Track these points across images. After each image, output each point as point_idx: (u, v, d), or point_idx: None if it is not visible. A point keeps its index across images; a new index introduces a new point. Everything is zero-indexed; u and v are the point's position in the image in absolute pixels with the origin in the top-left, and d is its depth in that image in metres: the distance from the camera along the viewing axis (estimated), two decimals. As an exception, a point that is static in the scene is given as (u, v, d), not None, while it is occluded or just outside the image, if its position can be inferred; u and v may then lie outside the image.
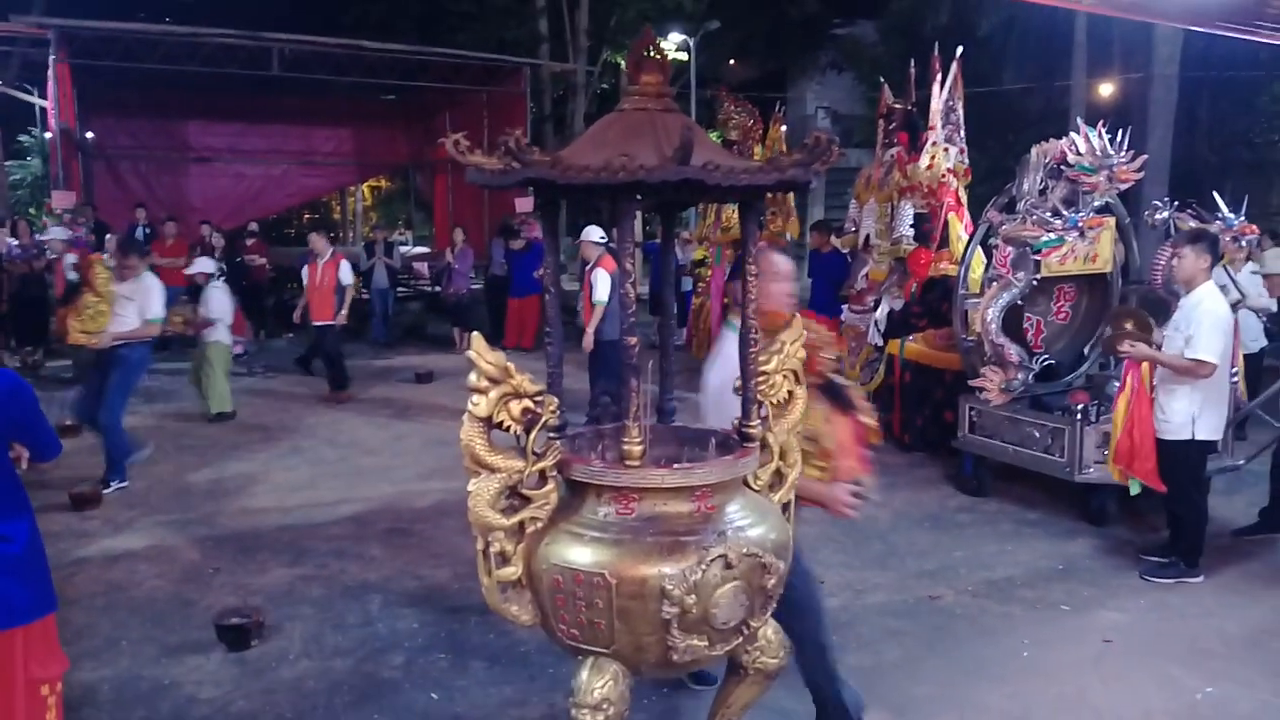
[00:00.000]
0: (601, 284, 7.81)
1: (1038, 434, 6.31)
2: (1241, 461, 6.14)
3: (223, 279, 12.23)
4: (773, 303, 3.21)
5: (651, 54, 2.55)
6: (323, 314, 9.76)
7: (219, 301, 8.92)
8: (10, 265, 11.04)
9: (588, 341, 7.78)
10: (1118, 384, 5.71)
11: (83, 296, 7.14)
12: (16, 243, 11.15)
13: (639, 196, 2.48)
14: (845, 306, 9.22)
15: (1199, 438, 5.19)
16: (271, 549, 5.60)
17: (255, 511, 6.34)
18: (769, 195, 10.53)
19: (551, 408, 2.57)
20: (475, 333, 2.58)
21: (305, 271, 9.94)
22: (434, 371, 10.95)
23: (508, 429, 2.54)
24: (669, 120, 2.51)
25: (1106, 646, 4.45)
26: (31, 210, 14.54)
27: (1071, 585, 5.16)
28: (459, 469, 2.62)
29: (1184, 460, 5.23)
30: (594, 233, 8.11)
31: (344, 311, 9.87)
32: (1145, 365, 5.34)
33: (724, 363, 3.13)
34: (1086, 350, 7.18)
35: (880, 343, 8.30)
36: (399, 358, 12.49)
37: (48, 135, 15.74)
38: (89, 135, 16.51)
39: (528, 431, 2.54)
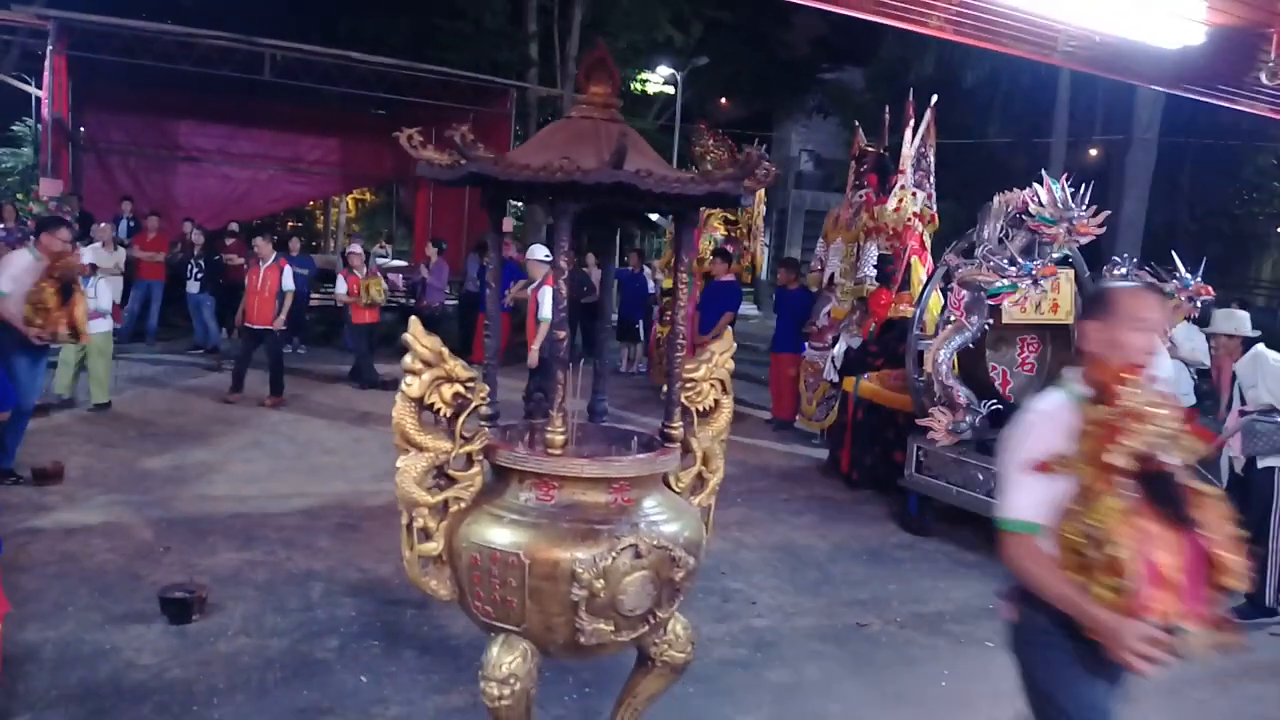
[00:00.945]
0: (546, 301, 7.91)
1: (981, 476, 6.43)
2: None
3: (199, 276, 12.51)
4: (1126, 355, 2.43)
5: (602, 66, 2.72)
6: (263, 318, 9.73)
7: (104, 293, 8.94)
8: (-9, 248, 11.09)
9: (533, 358, 7.85)
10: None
11: None
12: (1, 226, 11.23)
13: (576, 199, 2.63)
14: (806, 343, 9.42)
15: None
16: (223, 534, 5.69)
17: (211, 498, 6.44)
18: (740, 230, 10.72)
19: (482, 394, 2.71)
20: (414, 317, 2.72)
21: (248, 276, 9.98)
22: (399, 380, 11.00)
23: (438, 411, 2.68)
24: (612, 129, 2.68)
25: (1026, 684, 4.58)
26: (20, 196, 14.59)
27: (1000, 624, 5.24)
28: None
29: None
30: (539, 251, 8.23)
31: (282, 316, 9.83)
32: None
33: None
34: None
35: (836, 379, 8.46)
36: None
37: (40, 128, 15.83)
38: (81, 129, 16.64)
39: (457, 415, 2.68)
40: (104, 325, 8.79)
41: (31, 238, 7.02)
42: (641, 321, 13.30)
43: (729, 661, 4.50)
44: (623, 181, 2.43)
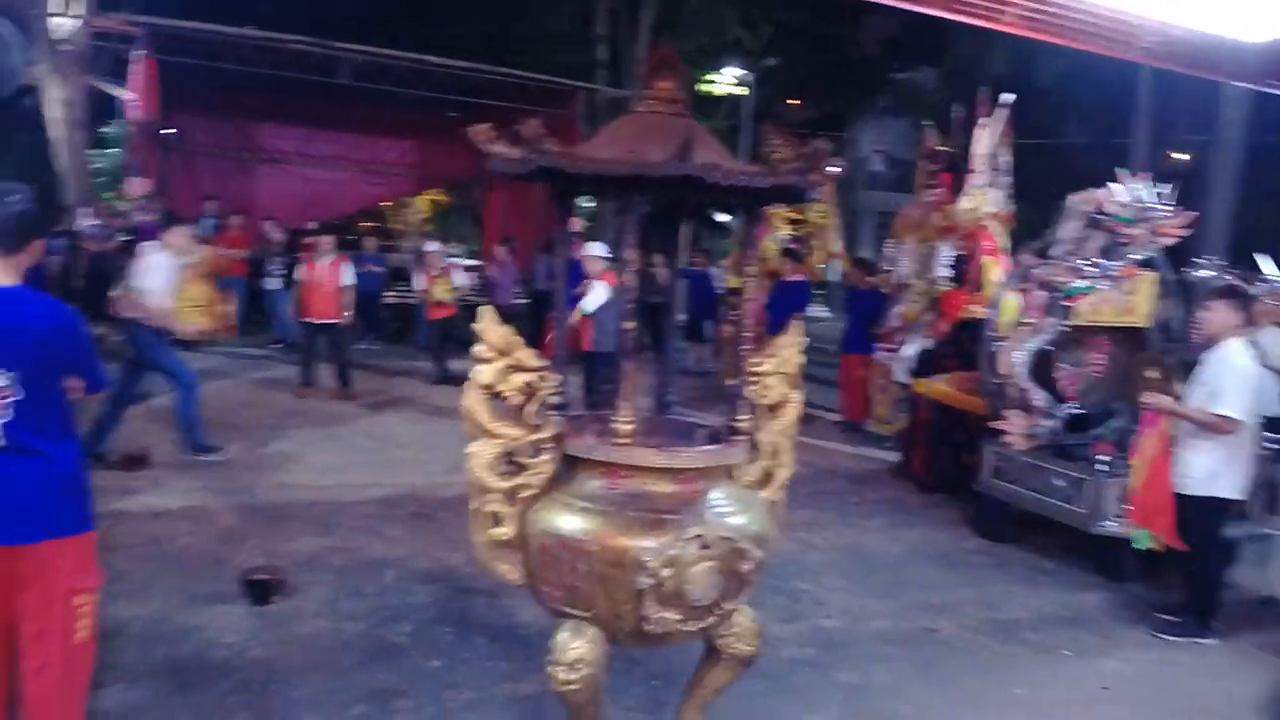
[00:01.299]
0: (594, 295, 7.99)
1: (1059, 483, 6.23)
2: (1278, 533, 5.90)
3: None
4: None
5: (668, 63, 2.75)
6: (324, 312, 9.86)
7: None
8: (86, 243, 11.56)
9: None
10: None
11: None
12: (94, 222, 11.70)
13: (643, 193, 2.66)
14: (877, 345, 9.31)
15: (1219, 495, 5.07)
16: (301, 521, 5.87)
17: (290, 487, 6.65)
18: (808, 226, 10.65)
19: (551, 384, 2.75)
20: (486, 307, 2.78)
21: (303, 270, 10.15)
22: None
23: (508, 400, 2.74)
24: (679, 124, 2.70)
25: (1103, 693, 4.45)
26: (108, 195, 15.18)
27: (1077, 633, 5.14)
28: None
29: (1203, 518, 5.10)
30: (596, 248, 8.33)
31: (348, 312, 10.03)
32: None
33: None
34: (1117, 404, 7.15)
35: (909, 381, 8.35)
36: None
37: (129, 128, 16.43)
38: (168, 131, 17.22)
39: (526, 403, 2.73)
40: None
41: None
42: (709, 321, 13.30)
43: (797, 661, 4.49)
44: (689, 174, 2.45)
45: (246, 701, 3.74)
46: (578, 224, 12.83)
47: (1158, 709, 4.36)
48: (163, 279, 6.94)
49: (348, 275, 10.04)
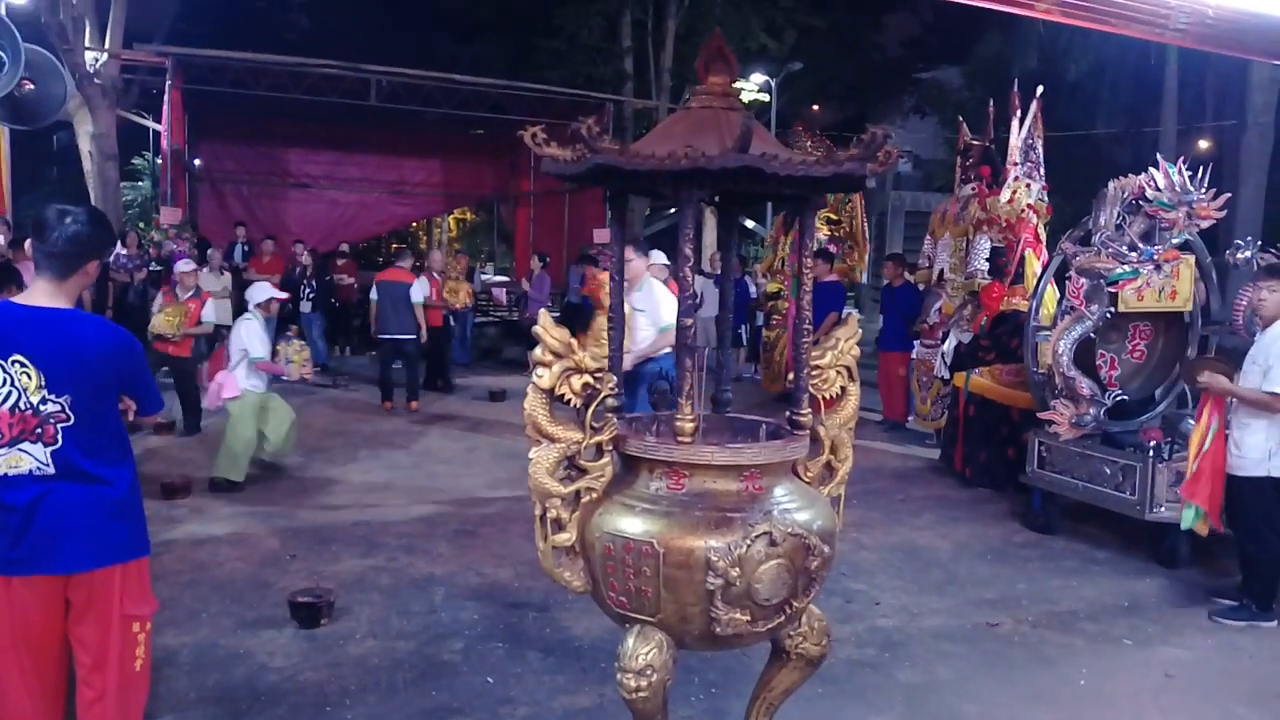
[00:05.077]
0: (668, 306, 6.68)
1: (1108, 470, 6.19)
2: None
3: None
4: None
5: (720, 56, 2.71)
6: (407, 329, 10.31)
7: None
8: (115, 274, 11.66)
9: (629, 361, 7.58)
10: (1193, 421, 5.60)
11: None
12: (125, 252, 11.81)
13: (701, 187, 2.62)
14: (917, 341, 9.23)
15: (1275, 475, 5.00)
16: (346, 541, 5.84)
17: (333, 508, 6.63)
18: (843, 230, 10.61)
19: (610, 384, 2.72)
20: (543, 311, 2.75)
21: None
22: (507, 391, 11.24)
23: (568, 402, 2.70)
24: (733, 117, 2.66)
25: (1168, 681, 4.37)
26: (141, 225, 15.41)
27: (1136, 621, 5.06)
28: (526, 480, 2.76)
29: (1258, 498, 5.04)
30: (658, 257, 8.23)
31: (423, 329, 10.41)
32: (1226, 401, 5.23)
33: None
34: (1160, 391, 7.05)
35: (947, 376, 8.27)
36: (475, 377, 12.86)
37: (158, 160, 16.69)
38: (196, 162, 17.46)
39: (586, 406, 2.69)
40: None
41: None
42: (745, 326, 13.28)
43: (856, 662, 4.42)
44: (748, 165, 2.40)
45: (302, 726, 3.70)
46: (606, 234, 12.86)
47: (1224, 695, 4.26)
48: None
49: (416, 292, 10.34)
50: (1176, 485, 5.76)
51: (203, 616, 4.69)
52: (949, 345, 8.28)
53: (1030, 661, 4.54)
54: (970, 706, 4.04)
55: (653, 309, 6.49)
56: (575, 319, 13.27)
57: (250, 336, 7.01)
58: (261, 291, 7.44)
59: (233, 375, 7.00)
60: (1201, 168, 6.34)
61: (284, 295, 7.99)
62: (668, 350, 6.32)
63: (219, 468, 6.92)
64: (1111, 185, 6.46)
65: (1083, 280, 6.47)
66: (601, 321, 7.72)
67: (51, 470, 2.75)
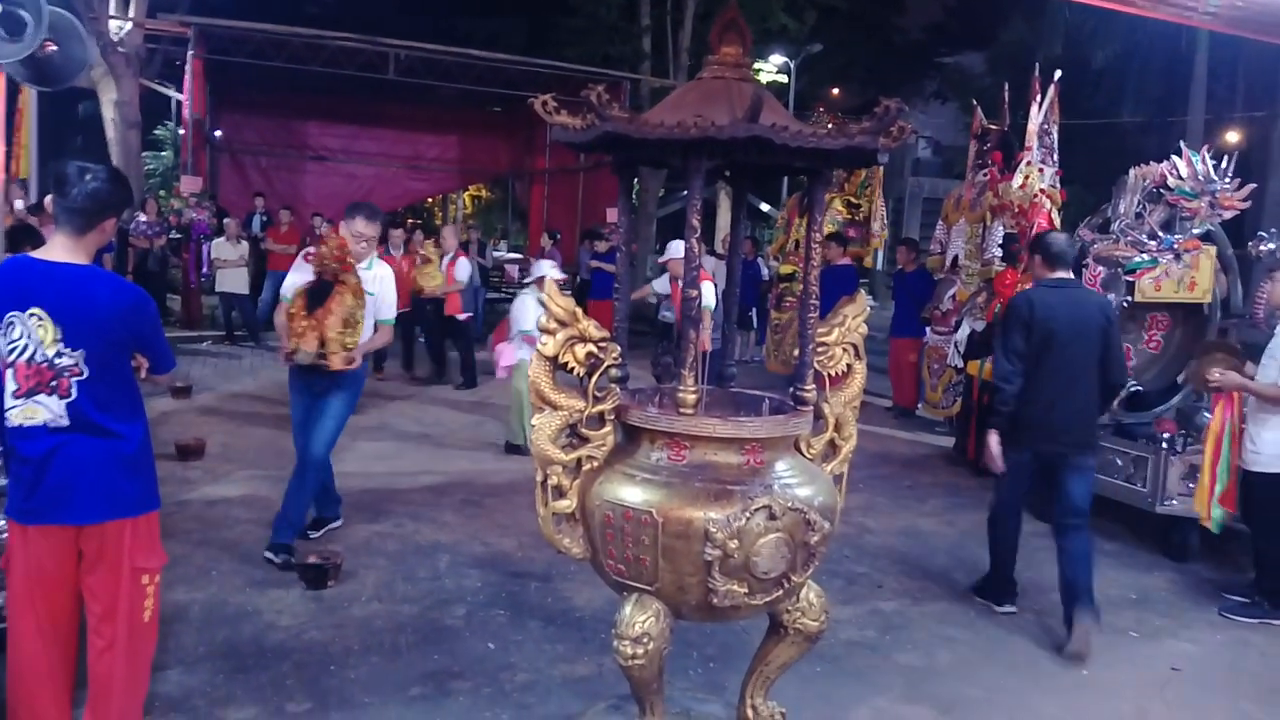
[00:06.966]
0: (708, 294, 6.85)
1: (1120, 462, 6.13)
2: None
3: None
4: None
5: (734, 26, 2.69)
6: (452, 308, 10.29)
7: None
8: (135, 240, 11.75)
9: (705, 342, 7.42)
10: (1208, 415, 5.54)
11: None
12: (145, 219, 11.89)
13: (710, 157, 2.61)
14: (928, 328, 9.17)
15: None
16: (354, 507, 5.88)
17: (342, 474, 6.57)
18: (861, 213, 10.52)
19: (614, 354, 2.71)
20: (548, 278, 2.75)
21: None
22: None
23: (572, 371, 2.70)
24: (744, 88, 2.64)
25: (1174, 674, 4.34)
26: (161, 194, 15.49)
27: (1143, 614, 5.03)
28: (531, 454, 2.79)
29: (1274, 495, 4.97)
30: (680, 248, 8.02)
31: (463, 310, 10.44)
32: (1239, 396, 5.17)
33: None
34: (1178, 381, 6.99)
35: (961, 364, 8.22)
36: (485, 351, 12.81)
37: (180, 131, 16.74)
38: (217, 133, 17.51)
39: (590, 375, 2.69)
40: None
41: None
42: (755, 309, 13.21)
43: (856, 643, 4.42)
44: (758, 135, 2.39)
45: (304, 683, 3.74)
46: (614, 214, 12.83)
47: (1230, 690, 4.24)
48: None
49: (460, 271, 10.30)
50: (1188, 478, 5.71)
51: (213, 574, 4.75)
52: (963, 333, 8.22)
53: (1033, 648, 4.53)
54: (972, 691, 4.04)
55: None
56: (585, 297, 13.29)
57: (521, 311, 7.34)
58: (542, 269, 7.72)
59: (510, 346, 7.49)
60: (1227, 157, 6.26)
61: (562, 276, 8.18)
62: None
63: (508, 432, 7.61)
64: (1132, 172, 6.39)
65: (1100, 268, 6.42)
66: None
67: (66, 423, 2.80)
